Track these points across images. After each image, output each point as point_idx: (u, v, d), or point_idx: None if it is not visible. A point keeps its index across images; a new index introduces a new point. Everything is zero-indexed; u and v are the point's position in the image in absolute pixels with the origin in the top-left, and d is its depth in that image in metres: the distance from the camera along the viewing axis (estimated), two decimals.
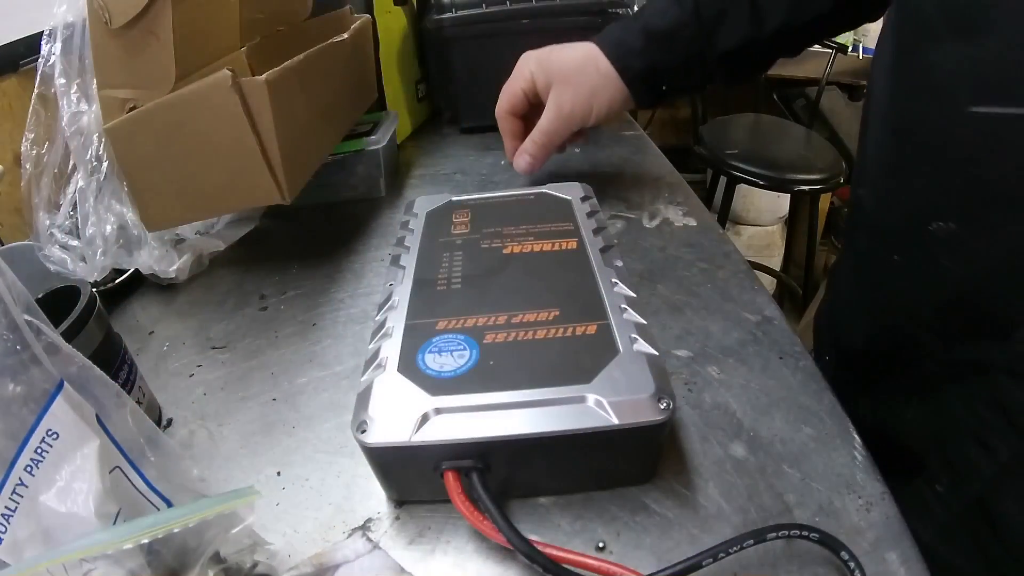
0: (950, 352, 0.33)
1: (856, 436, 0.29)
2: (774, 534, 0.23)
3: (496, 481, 0.25)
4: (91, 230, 0.41)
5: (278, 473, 0.30)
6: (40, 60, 0.41)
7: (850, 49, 1.74)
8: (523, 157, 0.49)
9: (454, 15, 0.62)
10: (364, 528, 0.27)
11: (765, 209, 1.78)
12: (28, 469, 0.21)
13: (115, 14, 0.37)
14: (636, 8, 0.55)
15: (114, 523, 0.22)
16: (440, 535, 0.26)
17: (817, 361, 0.34)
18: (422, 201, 0.40)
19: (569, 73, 0.46)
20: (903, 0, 0.32)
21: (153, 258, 0.44)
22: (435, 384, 0.25)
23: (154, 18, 0.37)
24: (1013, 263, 0.29)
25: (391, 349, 0.27)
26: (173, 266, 0.45)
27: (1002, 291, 0.30)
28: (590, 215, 0.38)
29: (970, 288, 0.31)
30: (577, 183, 0.42)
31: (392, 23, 0.65)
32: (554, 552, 0.22)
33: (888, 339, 0.37)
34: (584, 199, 0.40)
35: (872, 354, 0.39)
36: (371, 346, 0.29)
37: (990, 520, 0.33)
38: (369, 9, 0.61)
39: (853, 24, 0.45)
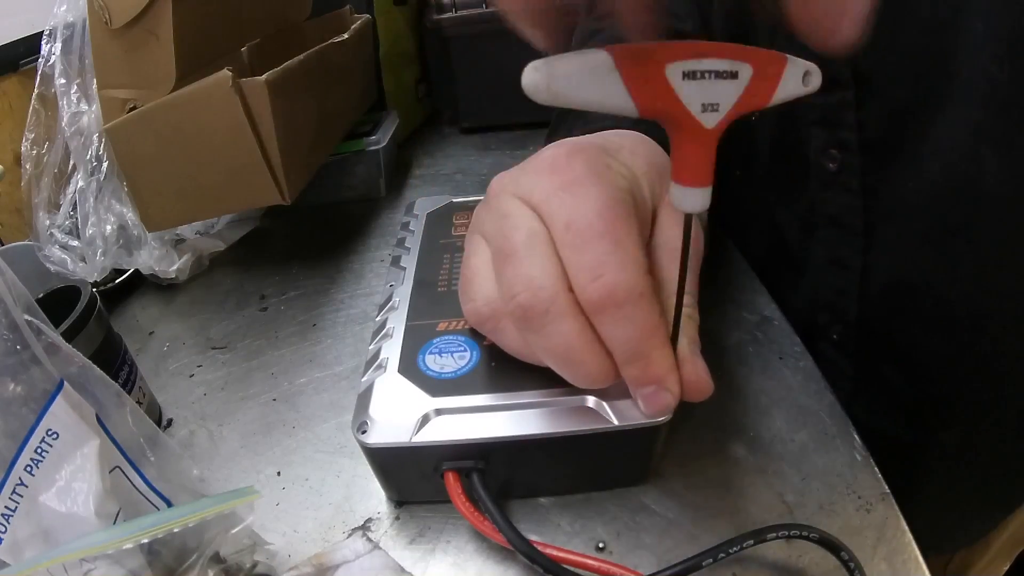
0: (807, 244, 0.39)
1: (856, 436, 0.29)
2: (774, 534, 0.23)
3: (496, 482, 0.25)
4: (91, 230, 0.41)
5: (278, 473, 0.30)
6: (40, 60, 0.41)
7: None
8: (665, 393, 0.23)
9: (454, 15, 0.62)
10: (364, 528, 0.27)
11: None
12: (28, 469, 0.21)
13: (115, 14, 0.37)
14: None
15: (114, 523, 0.22)
16: (440, 535, 0.26)
17: None
18: (423, 202, 0.40)
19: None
20: None
21: (153, 258, 0.44)
22: (436, 385, 0.25)
23: (154, 18, 0.37)
24: None
25: (392, 350, 0.28)
26: (173, 266, 0.45)
27: None
28: None
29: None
30: None
31: (392, 23, 0.65)
32: (554, 552, 0.22)
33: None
34: None
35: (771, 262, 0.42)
36: (371, 347, 0.29)
37: (882, 343, 0.37)
38: (369, 9, 0.61)
39: None
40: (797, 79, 0.19)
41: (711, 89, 0.17)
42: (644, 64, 0.17)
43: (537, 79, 0.16)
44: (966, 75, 0.28)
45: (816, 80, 0.19)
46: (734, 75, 0.18)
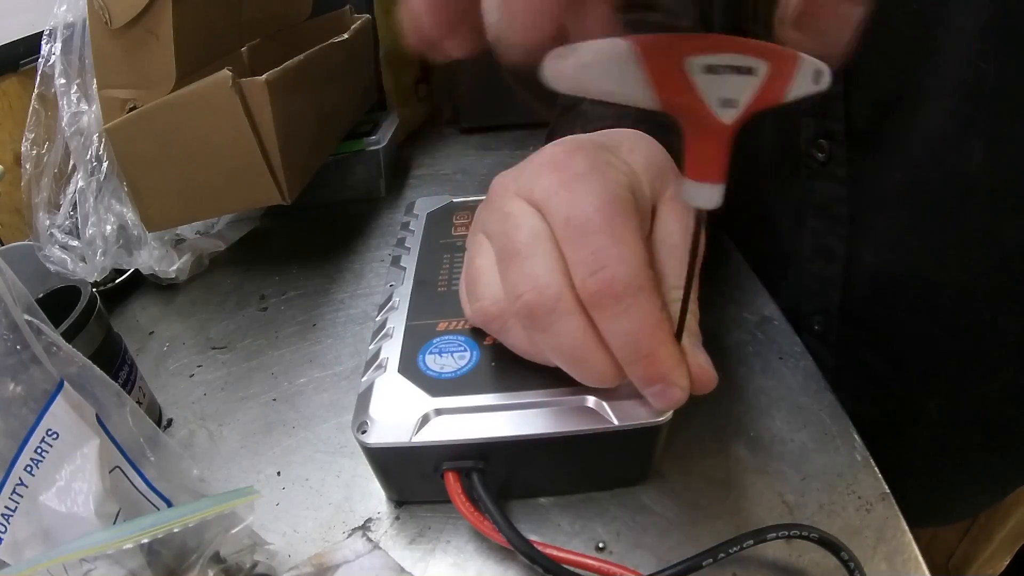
0: (799, 234, 0.39)
1: (856, 436, 0.29)
2: (774, 534, 0.23)
3: (496, 482, 0.25)
4: (91, 230, 0.41)
5: (278, 473, 0.30)
6: (40, 60, 0.41)
7: None
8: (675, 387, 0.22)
9: None
10: (364, 528, 0.27)
11: None
12: (28, 469, 0.21)
13: (115, 14, 0.37)
14: None
15: (114, 523, 0.22)
16: (440, 535, 0.26)
17: None
18: (423, 202, 0.40)
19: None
20: None
21: (153, 258, 0.44)
22: (435, 385, 0.25)
23: (154, 18, 0.37)
24: None
25: (392, 350, 0.28)
26: (173, 266, 0.45)
27: None
28: None
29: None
30: None
31: (392, 23, 0.65)
32: (554, 552, 0.22)
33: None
34: None
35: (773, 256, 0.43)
36: (371, 347, 0.29)
37: (863, 330, 0.38)
38: (369, 9, 0.61)
39: None
40: (808, 77, 0.19)
41: (729, 84, 0.17)
42: (665, 56, 0.17)
43: (559, 67, 0.16)
44: (952, 67, 0.28)
45: (827, 79, 0.19)
46: (751, 71, 0.17)
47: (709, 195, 0.19)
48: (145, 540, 0.20)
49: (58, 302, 0.31)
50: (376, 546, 0.25)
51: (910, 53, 0.29)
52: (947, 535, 0.52)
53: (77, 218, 0.42)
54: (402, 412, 0.25)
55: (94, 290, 0.32)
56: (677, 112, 0.18)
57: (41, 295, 0.33)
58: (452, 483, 0.24)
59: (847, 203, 0.35)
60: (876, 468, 0.27)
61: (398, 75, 0.67)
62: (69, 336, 0.29)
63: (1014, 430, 0.37)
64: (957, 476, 0.42)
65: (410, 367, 0.26)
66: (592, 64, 0.16)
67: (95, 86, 0.40)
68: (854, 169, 0.34)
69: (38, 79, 0.41)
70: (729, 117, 0.18)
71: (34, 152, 0.41)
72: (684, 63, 0.17)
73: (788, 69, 0.18)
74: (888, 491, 0.26)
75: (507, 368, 0.26)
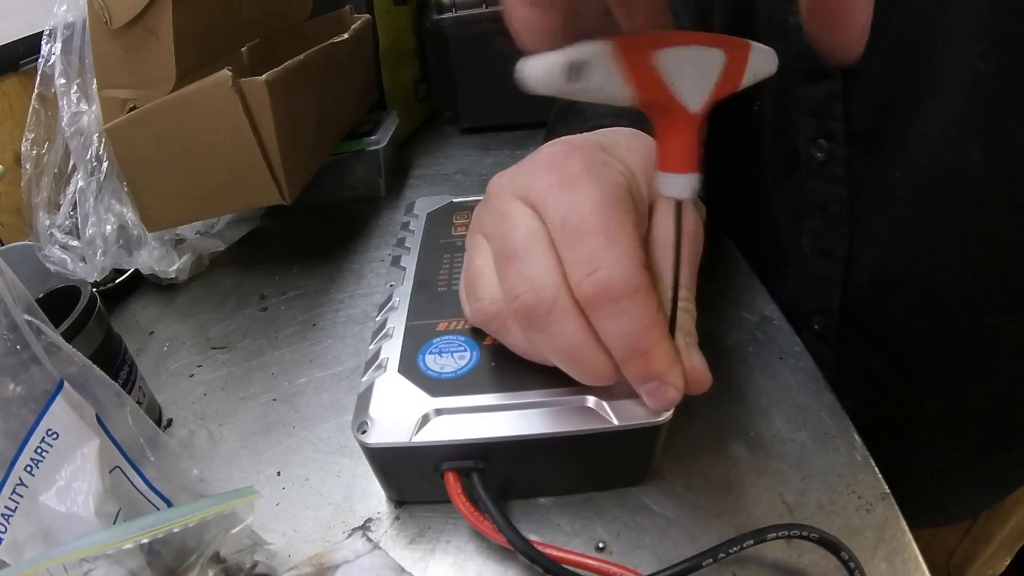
0: (798, 234, 0.39)
1: (856, 436, 0.29)
2: (774, 534, 0.23)
3: (496, 482, 0.25)
4: (91, 230, 0.41)
5: (278, 473, 0.30)
6: (40, 60, 0.41)
7: None
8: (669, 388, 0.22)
9: (454, 15, 0.62)
10: (364, 528, 0.27)
11: None
12: (28, 469, 0.21)
13: (115, 14, 0.37)
14: None
15: (114, 523, 0.22)
16: (440, 535, 0.26)
17: None
18: (423, 202, 0.40)
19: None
20: None
21: (153, 258, 0.44)
22: (435, 385, 0.25)
23: (154, 18, 0.37)
24: None
25: (392, 350, 0.28)
26: (173, 266, 0.45)
27: None
28: None
29: None
30: None
31: (392, 23, 0.65)
32: (554, 552, 0.22)
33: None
34: None
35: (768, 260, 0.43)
36: (371, 347, 0.29)
37: (864, 329, 0.38)
38: (369, 9, 0.61)
39: None
40: (760, 62, 0.20)
41: (693, 75, 0.18)
42: (638, 53, 0.17)
43: (535, 70, 0.17)
44: (951, 68, 0.28)
45: (775, 62, 0.20)
46: (711, 61, 0.19)
47: (684, 185, 0.20)
48: (145, 540, 0.20)
49: (58, 302, 0.31)
50: (376, 546, 0.25)
51: (910, 53, 0.29)
52: (947, 535, 0.52)
53: (77, 218, 0.42)
54: (402, 412, 0.25)
55: (94, 290, 0.32)
56: (649, 106, 0.19)
57: (41, 295, 0.33)
58: (452, 483, 0.24)
59: (846, 203, 0.35)
60: (876, 468, 0.27)
61: (398, 75, 0.67)
62: (69, 336, 0.29)
63: (1014, 430, 0.37)
64: (958, 476, 0.42)
65: (410, 367, 0.26)
66: (570, 65, 0.17)
67: (95, 86, 0.40)
68: (853, 169, 0.34)
69: (38, 79, 0.41)
70: (696, 106, 0.19)
71: (34, 152, 0.41)
72: (653, 58, 0.17)
73: (742, 55, 0.19)
74: (888, 491, 0.26)
75: (507, 368, 0.26)
